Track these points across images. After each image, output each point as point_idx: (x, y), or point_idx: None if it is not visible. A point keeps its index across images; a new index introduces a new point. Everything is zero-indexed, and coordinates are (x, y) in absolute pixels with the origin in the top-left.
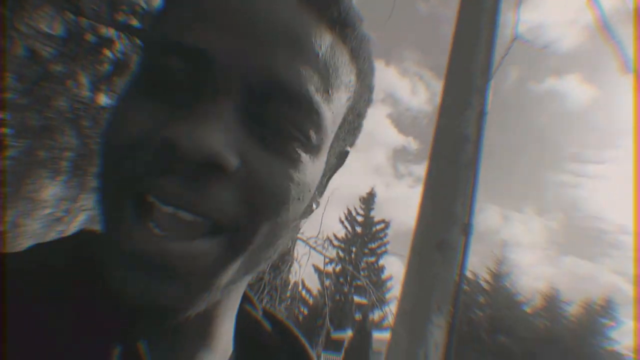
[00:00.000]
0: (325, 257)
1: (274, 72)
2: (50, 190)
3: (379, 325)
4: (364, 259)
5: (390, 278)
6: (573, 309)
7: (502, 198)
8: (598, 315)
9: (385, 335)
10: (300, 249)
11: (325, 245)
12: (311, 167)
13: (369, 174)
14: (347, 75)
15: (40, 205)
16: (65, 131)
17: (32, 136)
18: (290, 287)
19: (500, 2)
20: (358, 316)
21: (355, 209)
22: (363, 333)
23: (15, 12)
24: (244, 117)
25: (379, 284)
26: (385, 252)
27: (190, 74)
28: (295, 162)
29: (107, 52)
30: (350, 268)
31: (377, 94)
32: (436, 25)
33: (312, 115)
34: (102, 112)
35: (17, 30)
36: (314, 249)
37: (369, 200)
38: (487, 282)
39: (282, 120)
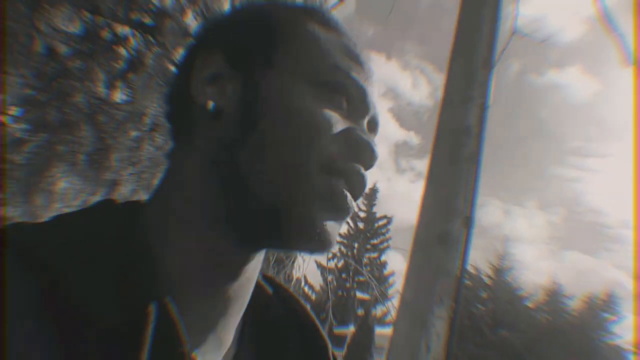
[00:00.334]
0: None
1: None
2: (67, 184)
3: (381, 321)
4: (367, 255)
5: (392, 274)
6: (575, 304)
7: (503, 192)
8: (600, 309)
9: (388, 331)
10: None
11: None
12: None
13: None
14: None
15: (58, 197)
16: (82, 126)
17: (50, 131)
18: (292, 283)
19: None
20: (360, 312)
21: (357, 204)
22: (365, 329)
23: (35, 11)
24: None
25: (381, 279)
26: (387, 247)
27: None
28: None
29: (122, 50)
30: (353, 263)
31: (378, 88)
32: (438, 18)
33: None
34: (117, 108)
35: (36, 29)
36: None
37: (371, 196)
38: (489, 276)
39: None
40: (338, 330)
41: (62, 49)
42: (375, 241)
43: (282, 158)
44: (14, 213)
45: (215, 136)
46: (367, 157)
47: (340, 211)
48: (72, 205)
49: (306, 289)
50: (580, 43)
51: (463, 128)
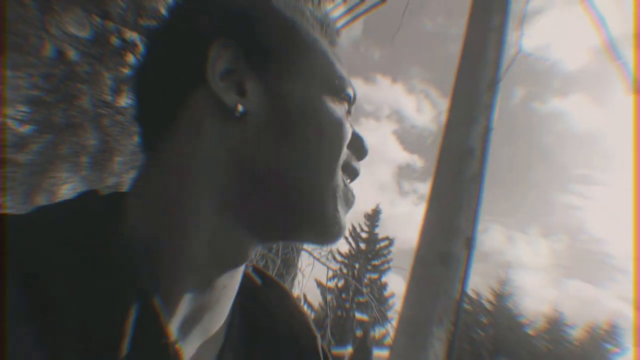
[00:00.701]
0: (329, 268)
1: None
2: (70, 185)
3: (379, 343)
4: (367, 276)
5: (392, 295)
6: (577, 333)
7: (506, 218)
8: (602, 340)
9: (386, 353)
10: (304, 260)
11: (329, 257)
12: None
13: (374, 190)
14: None
15: (59, 198)
16: (87, 129)
17: (55, 132)
18: None
19: (508, 21)
20: (359, 332)
21: (359, 225)
22: (363, 350)
23: (47, 14)
24: None
25: (381, 300)
26: (388, 269)
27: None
28: None
29: (130, 56)
30: (354, 282)
31: (382, 110)
32: (443, 43)
33: None
34: (122, 112)
35: (47, 32)
36: (318, 260)
37: (373, 217)
38: (490, 302)
39: None
40: (336, 351)
41: (72, 52)
42: (376, 262)
43: (313, 160)
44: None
45: (234, 132)
46: (363, 154)
47: (350, 204)
48: None
49: (305, 307)
50: (583, 72)
51: (466, 149)
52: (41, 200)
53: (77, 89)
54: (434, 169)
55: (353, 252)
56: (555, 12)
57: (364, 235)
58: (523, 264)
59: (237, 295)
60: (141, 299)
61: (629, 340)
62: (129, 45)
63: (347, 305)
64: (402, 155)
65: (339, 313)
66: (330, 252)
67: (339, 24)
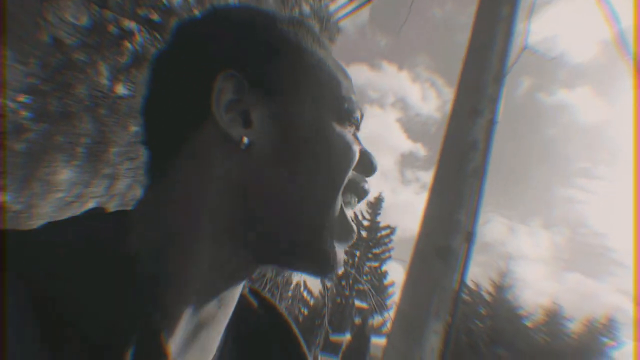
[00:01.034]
0: None
1: None
2: (65, 175)
3: (378, 331)
4: (367, 264)
5: (392, 284)
6: (575, 326)
7: (508, 209)
8: (600, 334)
9: (384, 341)
10: None
11: None
12: None
13: (376, 177)
14: None
15: (54, 188)
16: (83, 118)
17: (51, 121)
18: (292, 287)
19: (517, 12)
20: (358, 320)
21: (361, 213)
22: (361, 337)
23: (44, 2)
24: None
25: (380, 289)
26: (389, 257)
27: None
28: None
29: (128, 45)
30: (353, 271)
31: (387, 97)
32: (451, 31)
33: None
34: (119, 102)
35: (44, 19)
36: None
37: (375, 205)
38: (489, 293)
39: None
40: (334, 338)
41: (69, 40)
42: (377, 250)
43: (315, 192)
44: (11, 200)
45: (240, 163)
46: (372, 172)
47: (349, 239)
48: (68, 196)
49: (305, 293)
50: (590, 65)
51: (470, 142)
52: (37, 188)
53: (73, 77)
54: (436, 161)
55: (354, 240)
56: (564, 3)
57: (365, 223)
58: (523, 256)
59: (232, 316)
60: (143, 320)
61: (626, 334)
62: (127, 34)
63: (347, 293)
64: (405, 144)
65: (339, 300)
66: None
67: (346, 10)
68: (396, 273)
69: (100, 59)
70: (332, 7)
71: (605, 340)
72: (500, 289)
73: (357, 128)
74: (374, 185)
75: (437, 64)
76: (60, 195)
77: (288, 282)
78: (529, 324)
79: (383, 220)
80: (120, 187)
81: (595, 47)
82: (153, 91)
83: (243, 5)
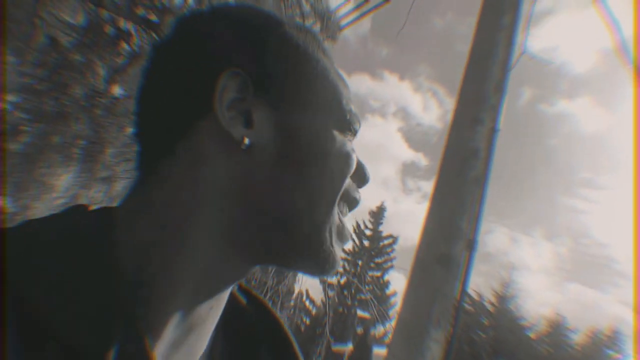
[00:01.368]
0: None
1: None
2: (61, 176)
3: (380, 341)
4: (370, 273)
5: (394, 294)
6: (578, 338)
7: (510, 220)
8: (604, 346)
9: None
10: None
11: None
12: None
13: (377, 186)
14: None
15: (50, 189)
16: (79, 119)
17: (47, 121)
18: (294, 296)
19: (518, 21)
20: (360, 330)
21: (364, 222)
22: (363, 347)
23: (40, 1)
24: None
25: (382, 298)
26: (391, 267)
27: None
28: None
29: (124, 45)
30: (355, 281)
31: (389, 107)
32: (452, 41)
33: None
34: (115, 102)
35: (40, 18)
36: None
37: (378, 214)
38: (491, 303)
39: None
40: (336, 348)
41: (64, 39)
42: (379, 260)
43: (315, 195)
44: (5, 202)
45: (239, 163)
46: (365, 182)
47: (345, 240)
48: (63, 197)
49: (307, 303)
50: (591, 75)
51: (471, 150)
52: (32, 189)
53: (69, 77)
54: (437, 168)
55: (356, 249)
56: (565, 13)
57: (367, 232)
58: (526, 266)
59: (221, 315)
60: (127, 323)
61: (631, 347)
62: (124, 34)
63: (349, 303)
64: (407, 153)
65: (341, 310)
66: None
67: (347, 20)
68: (398, 283)
69: (96, 59)
70: (337, 21)
71: (610, 352)
72: (503, 299)
73: (354, 135)
74: (376, 194)
75: (439, 74)
76: (55, 196)
77: (290, 291)
78: (531, 334)
79: (385, 229)
80: (117, 188)
81: (595, 57)
82: (150, 82)
83: (252, 6)
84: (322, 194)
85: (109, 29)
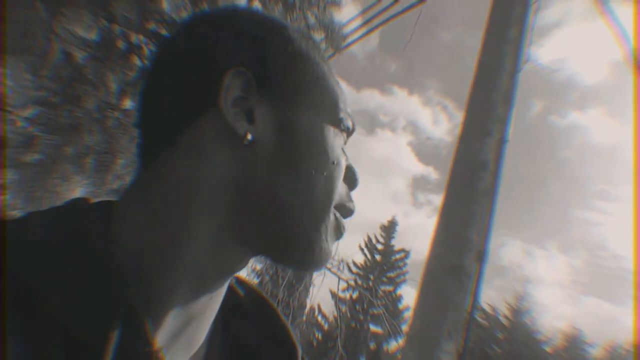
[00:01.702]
0: (340, 279)
1: None
2: (74, 185)
3: (393, 357)
4: (382, 287)
5: (407, 308)
6: (596, 352)
7: (524, 233)
8: None
9: None
10: None
11: (341, 267)
12: None
13: (388, 201)
14: None
15: (63, 199)
16: (92, 130)
17: (61, 133)
18: (306, 311)
19: (525, 33)
20: (373, 345)
21: (375, 236)
22: None
23: (55, 17)
24: None
25: (395, 313)
26: (403, 281)
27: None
28: None
29: (136, 59)
30: (368, 295)
31: (398, 121)
32: (460, 55)
33: None
34: (126, 114)
35: (55, 34)
36: (329, 269)
37: (390, 228)
38: (506, 317)
39: None
40: None
41: (79, 54)
42: (391, 274)
43: (313, 191)
44: (18, 213)
45: (239, 158)
46: (355, 185)
47: (340, 236)
48: None
49: (319, 317)
50: (601, 86)
51: (480, 162)
52: (45, 200)
53: (83, 90)
54: (446, 180)
55: (368, 264)
56: (574, 25)
57: (379, 246)
58: (541, 280)
59: (220, 306)
60: (127, 310)
61: None
62: (135, 49)
63: (362, 317)
64: (417, 167)
65: (353, 325)
66: (345, 263)
67: (355, 36)
68: (411, 297)
69: (109, 73)
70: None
71: None
72: (518, 312)
73: (347, 139)
74: (386, 208)
75: (448, 88)
76: None
77: (302, 306)
78: (548, 349)
79: (396, 243)
80: None
81: (606, 68)
82: (156, 76)
83: (257, 10)
84: (319, 189)
85: (121, 44)
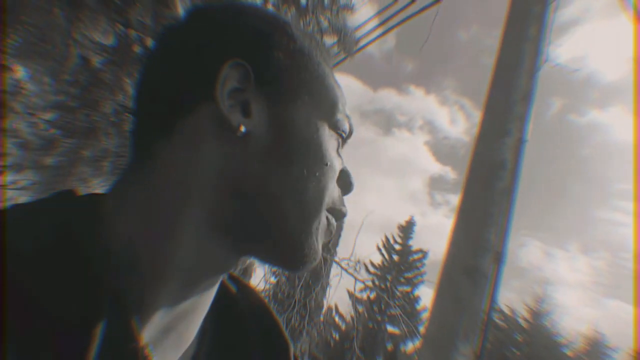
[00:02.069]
0: (356, 279)
1: None
2: (92, 188)
3: (410, 358)
4: (399, 288)
5: (425, 309)
6: (620, 357)
7: (544, 233)
8: None
9: None
10: (332, 270)
11: (357, 267)
12: None
13: (405, 201)
14: None
15: None
16: (109, 134)
17: (79, 136)
18: (324, 311)
19: (544, 31)
20: (390, 346)
21: (393, 236)
22: None
23: (73, 23)
24: None
25: (413, 314)
26: (421, 282)
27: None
28: None
29: None
30: (385, 296)
31: (415, 121)
32: (477, 54)
33: None
34: None
35: (73, 39)
36: (346, 270)
37: (407, 229)
38: (525, 320)
39: None
40: None
41: (96, 59)
42: (409, 274)
43: (305, 189)
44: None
45: (233, 151)
46: (349, 189)
47: (329, 236)
48: None
49: (336, 318)
50: (622, 83)
51: (498, 161)
52: None
53: (100, 94)
54: (464, 180)
55: (386, 264)
56: (594, 22)
57: (397, 247)
58: (561, 281)
59: (211, 303)
60: (113, 304)
61: None
62: None
63: (379, 318)
64: (434, 166)
65: (371, 325)
66: (363, 263)
67: (372, 37)
68: (428, 298)
69: (125, 77)
70: (358, 33)
71: None
72: (537, 315)
73: (343, 142)
74: (404, 208)
75: (465, 87)
76: None
77: (319, 306)
78: (569, 352)
79: (414, 244)
80: None
81: (626, 65)
82: (156, 62)
83: (261, 6)
84: (311, 188)
85: (137, 48)
